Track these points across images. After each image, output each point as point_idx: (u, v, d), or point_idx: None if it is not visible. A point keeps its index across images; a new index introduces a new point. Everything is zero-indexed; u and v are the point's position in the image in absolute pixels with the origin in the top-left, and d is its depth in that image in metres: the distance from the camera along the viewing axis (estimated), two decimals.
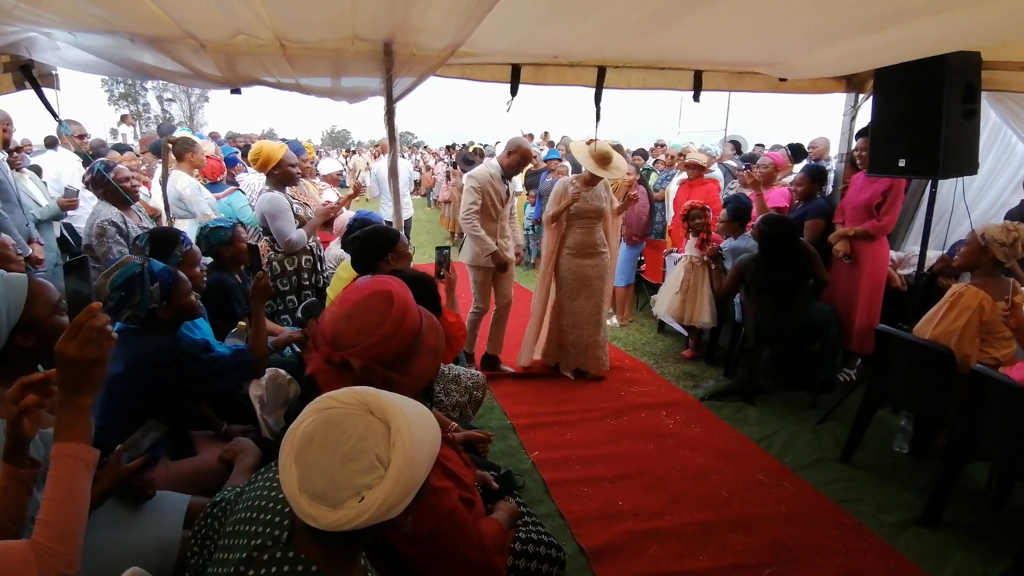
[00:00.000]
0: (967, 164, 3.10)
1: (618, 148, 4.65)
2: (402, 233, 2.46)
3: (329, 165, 5.21)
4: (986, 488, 2.60)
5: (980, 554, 2.25)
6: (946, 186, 3.73)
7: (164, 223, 4.01)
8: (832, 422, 3.27)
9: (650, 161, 8.16)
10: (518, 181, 7.39)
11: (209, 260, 2.72)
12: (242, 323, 2.47)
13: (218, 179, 4.58)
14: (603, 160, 3.65)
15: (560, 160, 7.14)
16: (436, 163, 13.65)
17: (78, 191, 3.98)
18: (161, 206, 4.09)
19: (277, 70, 2.84)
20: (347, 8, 2.22)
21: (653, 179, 6.43)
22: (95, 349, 1.01)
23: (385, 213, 5.52)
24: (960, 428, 2.38)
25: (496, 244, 3.75)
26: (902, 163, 3.06)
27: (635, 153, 8.85)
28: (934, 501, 2.43)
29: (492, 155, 9.44)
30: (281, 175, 3.22)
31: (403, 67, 2.83)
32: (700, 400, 3.63)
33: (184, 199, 3.99)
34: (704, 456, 2.97)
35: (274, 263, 3.21)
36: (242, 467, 1.61)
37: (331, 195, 4.42)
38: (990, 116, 3.84)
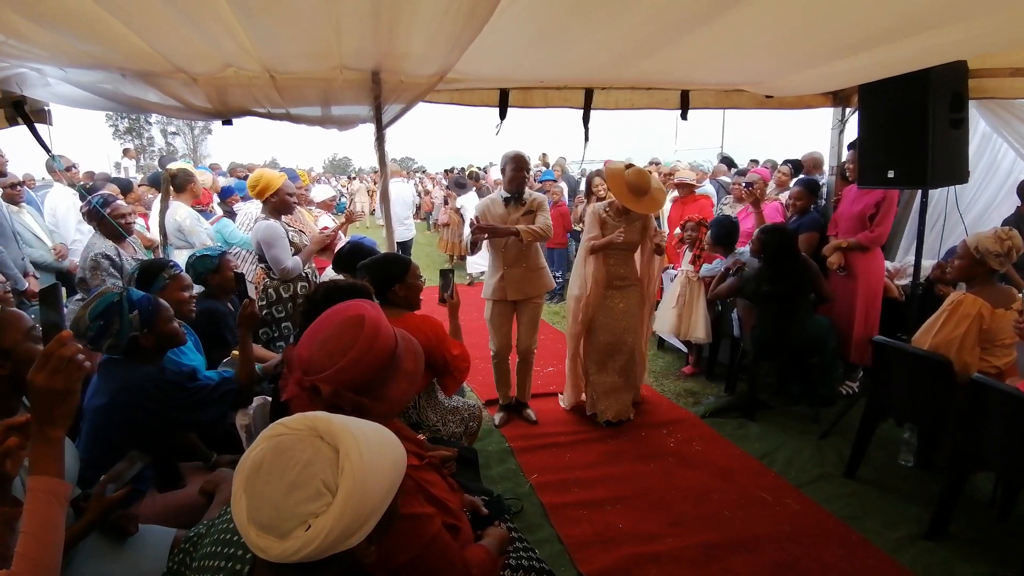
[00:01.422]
0: (956, 173, 3.11)
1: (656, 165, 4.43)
2: (415, 262, 2.44)
3: (322, 192, 5.26)
4: (991, 498, 2.55)
5: (988, 566, 2.20)
6: (938, 194, 3.74)
7: (160, 255, 4.05)
8: (835, 436, 3.21)
9: None
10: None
11: (200, 289, 2.73)
12: (235, 351, 2.46)
13: (206, 207, 4.63)
14: (638, 191, 3.23)
15: (555, 181, 7.19)
16: (434, 187, 13.78)
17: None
18: (158, 238, 4.13)
19: (268, 101, 2.89)
20: (332, 39, 2.26)
21: None
22: (63, 379, 1.00)
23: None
24: (962, 439, 2.34)
25: (503, 276, 3.32)
26: (891, 174, 3.07)
27: None
28: (939, 514, 2.37)
29: (479, 178, 9.53)
30: (278, 203, 3.25)
31: (392, 94, 2.87)
32: (701, 417, 3.58)
33: (184, 230, 4.03)
34: (705, 475, 2.92)
35: (270, 290, 3.21)
36: (221, 499, 1.58)
37: (327, 221, 4.45)
38: (979, 124, 3.86)
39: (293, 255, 3.19)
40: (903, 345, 2.61)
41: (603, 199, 4.44)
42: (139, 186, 5.70)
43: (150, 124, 33.88)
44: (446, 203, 9.49)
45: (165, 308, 1.81)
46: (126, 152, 11.23)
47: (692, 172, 5.35)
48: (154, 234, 4.34)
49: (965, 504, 2.45)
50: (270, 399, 2.08)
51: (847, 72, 2.99)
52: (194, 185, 4.24)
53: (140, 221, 4.56)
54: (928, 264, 3.56)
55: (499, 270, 3.34)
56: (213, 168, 8.91)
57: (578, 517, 2.58)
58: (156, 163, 11.07)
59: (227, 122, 3.08)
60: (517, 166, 3.29)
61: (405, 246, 7.10)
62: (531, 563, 1.50)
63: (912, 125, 2.92)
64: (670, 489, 2.80)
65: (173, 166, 4.47)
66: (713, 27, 2.19)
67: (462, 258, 8.22)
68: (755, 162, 9.02)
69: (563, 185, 7.22)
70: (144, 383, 1.72)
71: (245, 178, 6.01)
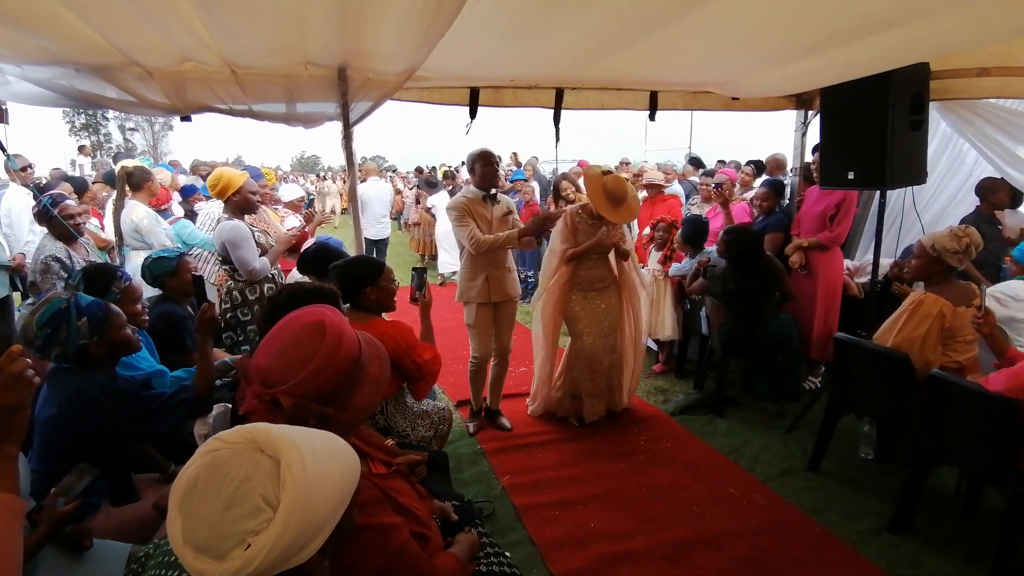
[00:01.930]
0: (915, 174, 3.21)
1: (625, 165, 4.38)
2: (388, 264, 2.39)
3: (291, 191, 5.13)
4: (955, 493, 2.63)
5: (955, 561, 2.25)
6: (896, 194, 3.86)
7: (116, 256, 3.89)
8: (800, 431, 3.29)
9: None
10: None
11: (157, 292, 2.63)
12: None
13: (163, 207, 4.47)
14: (615, 199, 3.14)
15: (526, 180, 7.18)
16: (405, 186, 13.63)
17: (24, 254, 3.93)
18: (113, 238, 3.97)
19: (229, 96, 2.80)
20: (295, 34, 2.20)
21: None
22: (14, 395, 0.99)
23: (365, 234, 5.47)
24: (923, 434, 2.42)
25: (487, 277, 3.20)
26: (851, 176, 3.16)
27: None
28: (902, 508, 2.44)
29: (455, 177, 9.48)
30: (240, 202, 3.15)
31: (359, 92, 2.81)
32: (670, 415, 3.62)
33: (141, 230, 3.88)
34: (675, 472, 2.95)
35: (234, 292, 3.12)
36: None
37: (293, 222, 4.34)
38: (940, 125, 3.99)
39: (260, 256, 3.10)
40: (863, 342, 2.68)
41: (572, 202, 4.42)
42: (94, 183, 5.47)
43: (107, 120, 32.59)
44: (417, 202, 9.40)
45: (117, 315, 1.73)
46: (81, 149, 10.81)
47: (660, 173, 5.41)
48: (109, 234, 4.17)
49: (928, 498, 2.51)
50: (230, 406, 2.01)
51: (809, 73, 3.06)
52: (151, 183, 4.09)
53: (94, 221, 4.38)
54: (886, 263, 3.68)
55: (483, 272, 3.21)
56: (173, 165, 8.62)
57: (550, 518, 2.58)
58: (112, 160, 10.68)
59: (186, 118, 2.97)
60: (487, 161, 3.17)
61: (380, 245, 6.99)
62: (502, 568, 1.49)
63: (872, 127, 3.00)
64: (641, 487, 2.82)
65: (129, 163, 4.29)
66: (679, 24, 2.22)
67: (433, 257, 8.14)
68: (722, 163, 9.19)
69: (535, 184, 7.23)
70: (95, 392, 1.64)
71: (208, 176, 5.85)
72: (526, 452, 3.19)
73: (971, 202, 3.94)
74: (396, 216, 14.85)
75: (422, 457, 1.61)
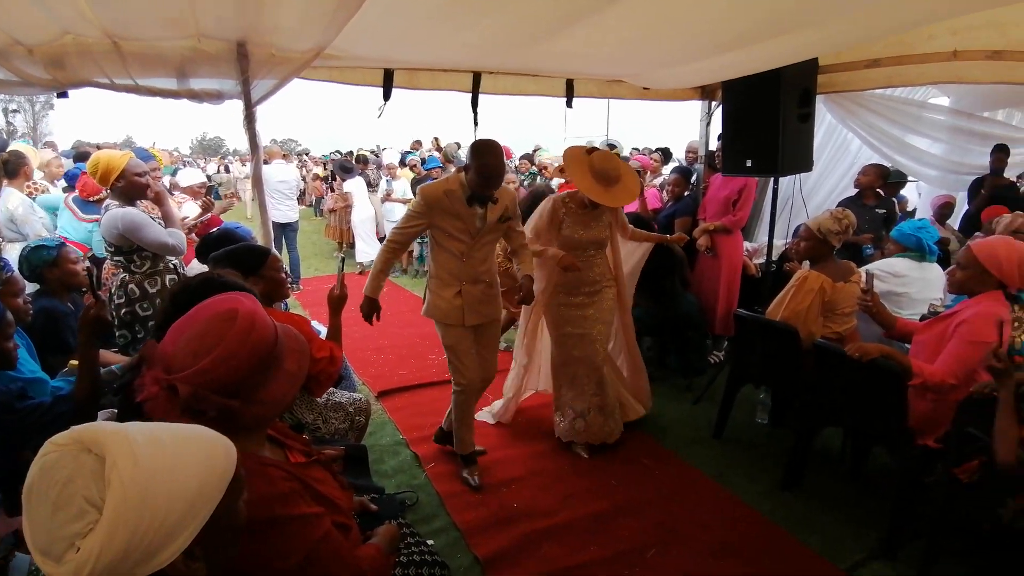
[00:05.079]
0: (802, 163, 3.51)
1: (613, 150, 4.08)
2: (274, 250, 2.26)
3: (190, 175, 4.75)
4: (841, 453, 2.91)
5: (840, 514, 2.49)
6: (788, 180, 4.20)
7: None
8: (706, 402, 3.54)
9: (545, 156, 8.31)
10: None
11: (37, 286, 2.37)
12: (73, 361, 2.16)
13: (92, 199, 3.87)
14: (606, 179, 2.67)
15: (443, 168, 7.11)
16: (323, 171, 13.02)
17: None
18: None
19: (111, 70, 2.53)
20: (184, 4, 2.02)
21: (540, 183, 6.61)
22: None
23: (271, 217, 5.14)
24: (809, 398, 2.67)
25: (460, 292, 2.56)
26: (749, 163, 3.40)
27: (522, 157, 9.06)
28: (792, 467, 2.70)
29: (368, 162, 9.17)
30: (126, 187, 2.86)
31: (261, 68, 2.63)
32: None
33: (16, 219, 3.49)
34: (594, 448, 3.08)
35: (131, 286, 2.86)
36: None
37: (192, 209, 4.03)
38: (826, 117, 4.37)
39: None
40: (758, 316, 2.92)
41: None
42: None
43: None
44: (332, 189, 9.03)
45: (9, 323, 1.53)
46: None
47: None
48: None
49: (819, 459, 2.78)
50: (116, 411, 1.85)
51: (713, 69, 3.25)
52: (27, 167, 3.68)
53: None
54: (780, 244, 4.01)
55: (454, 285, 2.56)
56: (49, 146, 7.69)
57: (474, 502, 2.61)
58: None
59: (63, 94, 2.67)
60: (499, 161, 2.41)
61: (287, 230, 6.66)
62: (422, 556, 1.49)
63: (766, 119, 3.24)
64: (562, 465, 2.92)
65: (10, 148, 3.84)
66: (596, 19, 2.27)
67: (351, 245, 7.87)
68: (636, 150, 9.54)
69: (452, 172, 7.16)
70: None
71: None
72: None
73: (853, 188, 4.36)
74: (312, 203, 14.22)
75: (338, 452, 1.57)
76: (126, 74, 2.55)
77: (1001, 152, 4.32)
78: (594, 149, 2.81)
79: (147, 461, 0.69)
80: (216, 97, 2.74)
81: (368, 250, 7.49)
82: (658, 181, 4.80)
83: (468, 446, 2.80)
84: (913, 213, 5.53)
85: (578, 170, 2.71)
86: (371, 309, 2.56)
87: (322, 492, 1.24)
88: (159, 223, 2.94)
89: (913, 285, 2.98)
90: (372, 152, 11.06)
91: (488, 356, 2.75)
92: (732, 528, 2.44)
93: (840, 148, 4.77)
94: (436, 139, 11.23)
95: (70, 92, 2.67)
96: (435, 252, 2.62)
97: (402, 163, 8.52)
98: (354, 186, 7.75)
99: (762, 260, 3.97)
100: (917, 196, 5.93)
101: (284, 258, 6.38)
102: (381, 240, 7.72)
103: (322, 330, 2.66)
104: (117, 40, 2.39)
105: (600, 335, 2.96)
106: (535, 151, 8.83)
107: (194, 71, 2.59)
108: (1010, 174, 4.63)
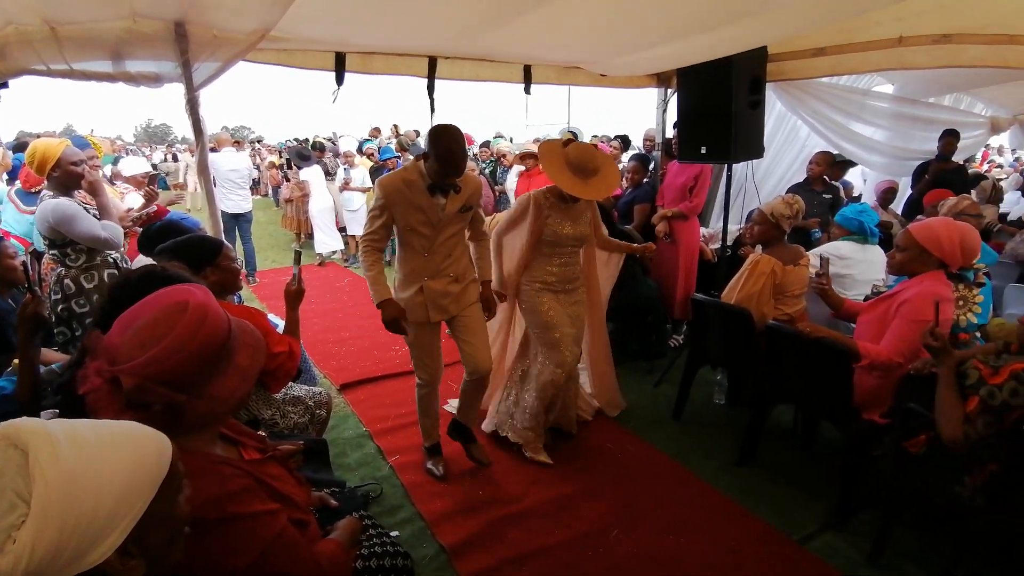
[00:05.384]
0: (754, 149, 3.60)
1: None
2: (227, 243, 2.16)
3: (134, 165, 4.51)
4: (793, 429, 3.04)
5: (792, 487, 2.60)
6: (742, 167, 4.31)
7: None
8: (666, 384, 3.62)
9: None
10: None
11: None
12: (17, 360, 2.03)
13: (33, 190, 3.68)
14: (583, 171, 2.57)
15: (399, 158, 6.98)
16: (278, 159, 12.58)
17: None
18: None
19: (47, 56, 2.38)
20: None
21: (499, 173, 6.58)
22: None
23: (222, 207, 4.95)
24: (762, 377, 2.77)
25: (421, 289, 2.45)
26: (703, 150, 3.47)
27: (482, 145, 8.99)
28: (746, 444, 2.79)
29: (325, 150, 8.92)
30: (62, 176, 2.72)
31: (203, 50, 2.51)
32: None
33: None
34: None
35: (67, 281, 2.72)
36: None
37: (136, 199, 3.83)
38: (776, 105, 4.48)
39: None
40: (714, 300, 2.99)
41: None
42: None
43: None
44: (287, 178, 8.75)
45: None
46: None
47: (535, 146, 5.53)
48: None
49: (771, 435, 2.88)
50: (58, 411, 1.76)
51: (666, 57, 3.28)
52: None
53: None
54: (735, 229, 4.11)
55: (415, 282, 2.45)
56: None
57: (439, 492, 2.60)
58: None
59: (3, 85, 2.52)
60: (459, 147, 2.29)
61: (240, 220, 6.42)
62: (384, 548, 1.48)
63: (718, 106, 3.30)
64: None
65: None
66: (552, 6, 2.26)
67: (309, 236, 7.66)
68: (596, 137, 9.60)
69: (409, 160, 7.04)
70: None
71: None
72: (413, 430, 3.12)
73: (802, 174, 4.50)
74: (267, 192, 13.75)
75: (295, 447, 1.53)
76: (61, 59, 2.41)
77: (951, 136, 4.47)
78: (570, 141, 2.72)
79: (69, 457, 0.70)
80: (154, 80, 2.61)
81: (327, 240, 7.30)
82: (619, 167, 4.85)
83: (433, 437, 2.79)
84: (858, 198, 5.75)
85: (554, 164, 2.60)
86: (394, 314, 2.37)
87: (278, 488, 1.21)
88: (94, 215, 2.79)
89: (857, 267, 3.12)
90: (329, 140, 10.77)
91: (477, 343, 2.54)
92: (690, 504, 2.51)
93: (790, 135, 4.91)
94: (395, 126, 11.02)
95: (10, 82, 2.53)
96: (399, 253, 2.50)
97: (359, 151, 8.32)
98: (311, 175, 7.52)
99: (718, 245, 4.07)
100: (862, 182, 6.18)
101: (239, 250, 6.17)
102: (341, 230, 7.54)
103: (280, 323, 2.59)
104: (54, 25, 2.26)
105: (575, 338, 2.86)
106: (494, 138, 8.77)
107: (130, 53, 2.46)
108: (958, 158, 4.79)
